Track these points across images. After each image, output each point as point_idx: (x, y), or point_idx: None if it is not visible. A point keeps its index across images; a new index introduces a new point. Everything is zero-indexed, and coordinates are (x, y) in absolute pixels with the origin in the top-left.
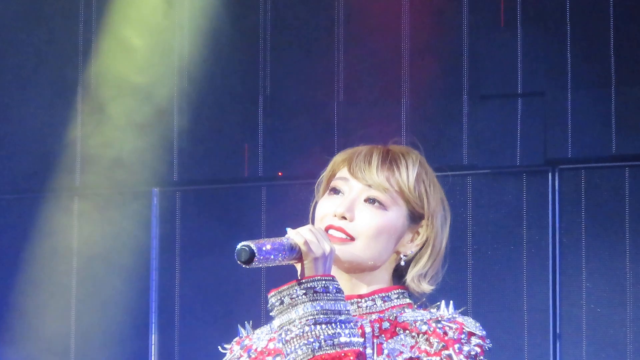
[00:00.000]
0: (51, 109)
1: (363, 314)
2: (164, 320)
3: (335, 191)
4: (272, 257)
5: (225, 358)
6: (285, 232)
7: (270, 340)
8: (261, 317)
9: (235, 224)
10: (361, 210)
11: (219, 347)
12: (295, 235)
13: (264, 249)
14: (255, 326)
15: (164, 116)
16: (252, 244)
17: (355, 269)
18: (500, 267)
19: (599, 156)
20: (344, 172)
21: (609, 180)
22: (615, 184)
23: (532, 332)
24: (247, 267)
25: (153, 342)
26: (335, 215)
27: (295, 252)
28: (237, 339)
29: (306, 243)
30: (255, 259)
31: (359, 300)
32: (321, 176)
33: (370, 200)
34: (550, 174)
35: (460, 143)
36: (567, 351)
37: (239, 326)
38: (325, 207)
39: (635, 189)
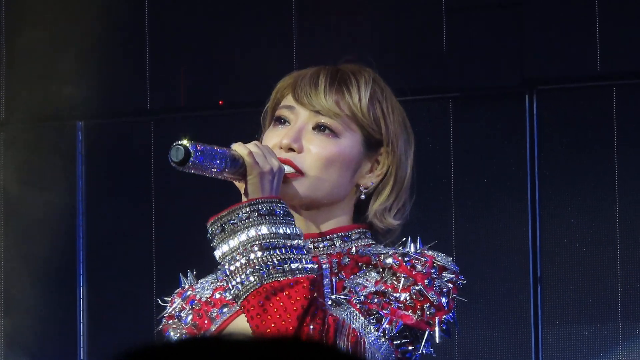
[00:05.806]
0: None
1: (320, 254)
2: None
3: (281, 121)
4: (210, 162)
5: (165, 311)
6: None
7: (215, 289)
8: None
9: None
10: (310, 139)
11: (159, 299)
12: (239, 147)
13: (201, 150)
14: (199, 275)
15: None
16: (187, 143)
17: (310, 206)
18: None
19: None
20: (288, 98)
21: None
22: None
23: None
24: (181, 169)
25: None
26: (282, 147)
27: (238, 165)
28: (178, 290)
29: (251, 154)
30: (191, 159)
31: (315, 239)
32: (266, 106)
33: (320, 128)
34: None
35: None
36: (549, 296)
37: (180, 276)
38: (271, 140)
39: None
